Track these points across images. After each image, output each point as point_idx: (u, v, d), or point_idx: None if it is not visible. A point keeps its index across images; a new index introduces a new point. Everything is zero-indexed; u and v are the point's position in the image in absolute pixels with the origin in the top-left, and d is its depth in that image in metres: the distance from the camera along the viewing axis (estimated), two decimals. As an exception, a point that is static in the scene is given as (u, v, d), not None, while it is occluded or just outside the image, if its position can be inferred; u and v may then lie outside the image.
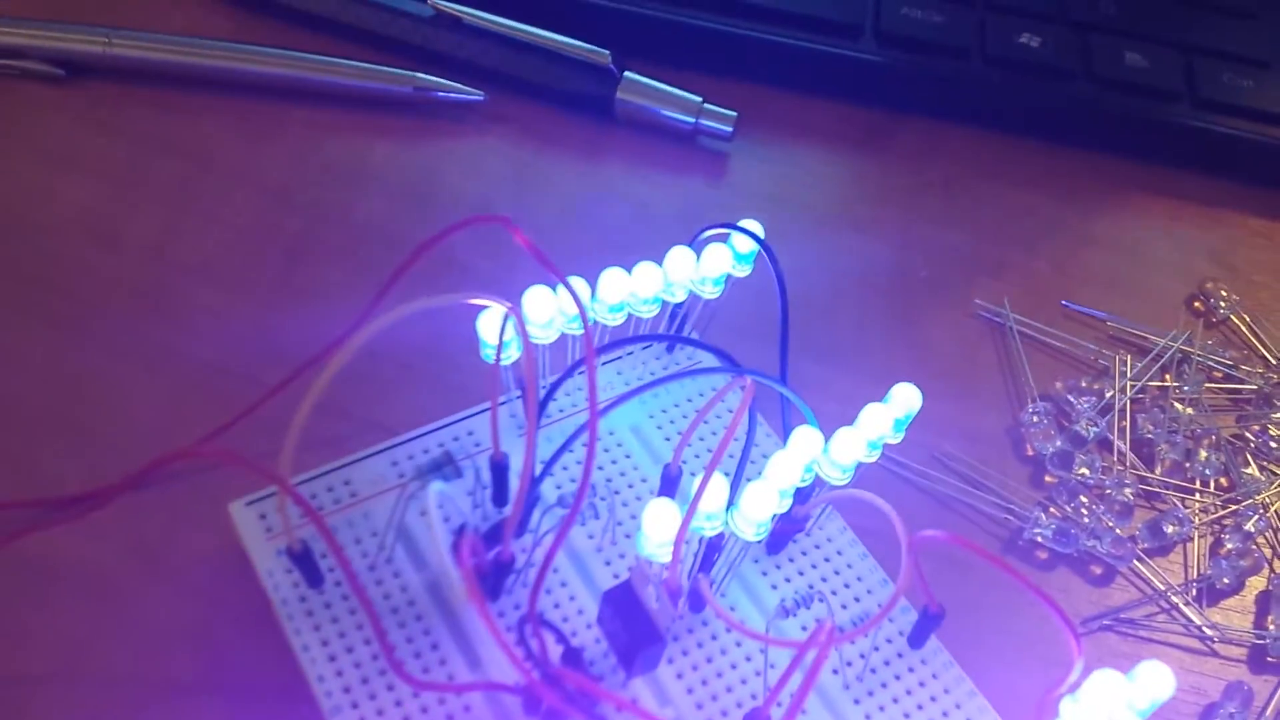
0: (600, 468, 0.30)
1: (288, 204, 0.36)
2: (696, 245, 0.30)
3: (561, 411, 0.31)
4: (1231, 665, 0.31)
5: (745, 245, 0.30)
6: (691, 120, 0.40)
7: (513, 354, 0.28)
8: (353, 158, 0.38)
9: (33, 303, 0.33)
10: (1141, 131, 0.43)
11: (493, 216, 0.27)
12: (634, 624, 0.25)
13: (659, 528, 0.24)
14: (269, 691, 0.26)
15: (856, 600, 0.29)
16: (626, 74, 0.40)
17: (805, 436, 0.26)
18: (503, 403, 0.30)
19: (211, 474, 0.29)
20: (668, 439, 0.31)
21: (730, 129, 0.40)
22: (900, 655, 0.28)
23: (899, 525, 0.25)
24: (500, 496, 0.28)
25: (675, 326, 0.31)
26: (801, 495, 0.27)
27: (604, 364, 0.32)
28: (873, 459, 0.27)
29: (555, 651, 0.25)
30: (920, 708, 0.27)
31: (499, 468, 0.28)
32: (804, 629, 0.28)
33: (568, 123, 0.40)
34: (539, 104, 0.41)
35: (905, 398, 0.27)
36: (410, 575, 0.27)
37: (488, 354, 0.28)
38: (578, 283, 0.28)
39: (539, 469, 0.27)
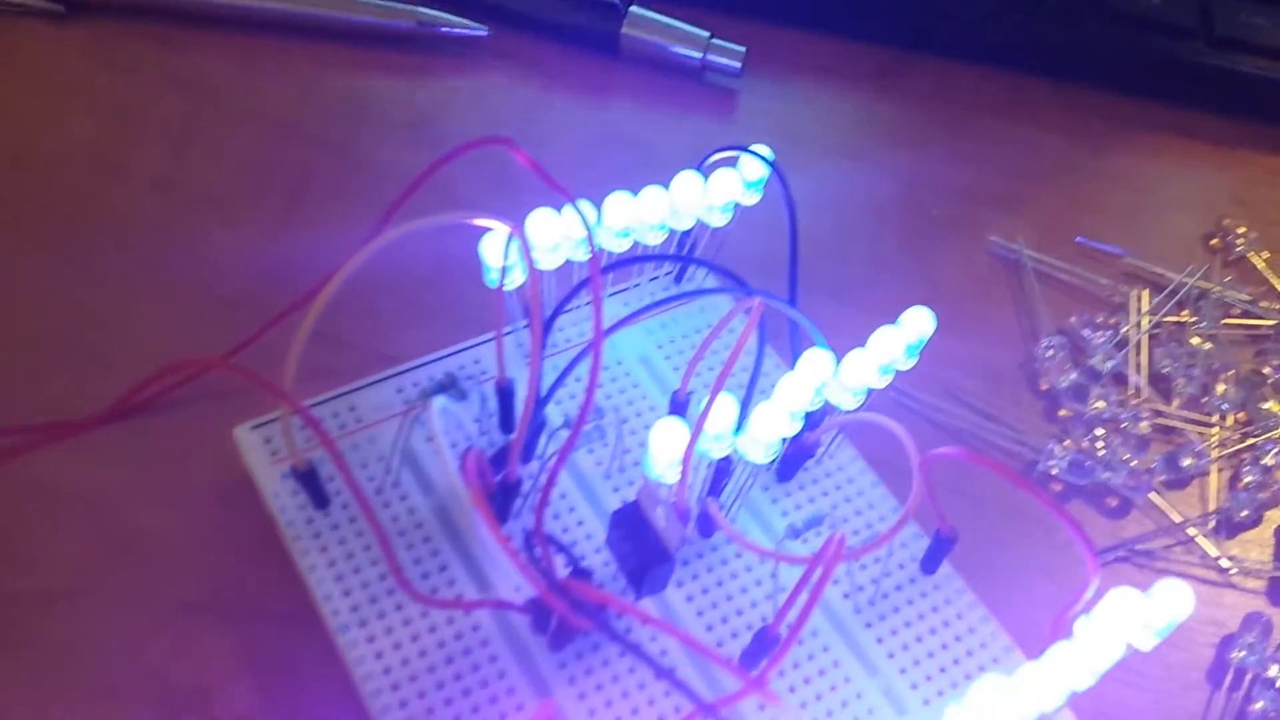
0: (609, 397, 0.30)
1: (291, 138, 0.36)
2: (704, 171, 0.29)
3: (569, 341, 0.31)
4: (1250, 597, 0.31)
5: (754, 172, 0.29)
6: (699, 56, 0.39)
7: (517, 279, 0.27)
8: (356, 93, 0.38)
9: (42, 234, 0.32)
10: (1156, 70, 0.43)
11: (496, 138, 0.26)
12: (642, 544, 0.24)
13: (666, 446, 0.24)
14: (276, 613, 0.26)
15: (868, 527, 0.29)
16: (633, 9, 0.39)
17: (815, 358, 0.25)
18: (508, 332, 0.30)
19: (217, 399, 0.29)
20: (676, 369, 0.31)
21: (739, 65, 0.39)
22: (912, 580, 0.28)
23: (910, 445, 0.25)
24: (507, 422, 0.28)
25: (686, 253, 0.31)
26: (811, 421, 0.27)
27: (611, 294, 0.32)
28: (883, 385, 0.27)
29: (564, 573, 0.24)
30: (933, 631, 0.27)
31: (505, 392, 0.28)
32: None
33: (573, 59, 0.40)
34: (543, 39, 0.40)
35: (918, 322, 0.27)
36: (417, 499, 0.27)
37: (491, 278, 0.27)
38: (584, 206, 0.27)
39: (544, 392, 0.27)
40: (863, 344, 0.26)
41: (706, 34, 0.39)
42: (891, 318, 0.27)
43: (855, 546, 0.28)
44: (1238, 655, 0.29)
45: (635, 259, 0.29)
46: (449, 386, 0.26)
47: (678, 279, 0.33)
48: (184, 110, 0.36)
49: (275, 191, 0.35)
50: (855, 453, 0.30)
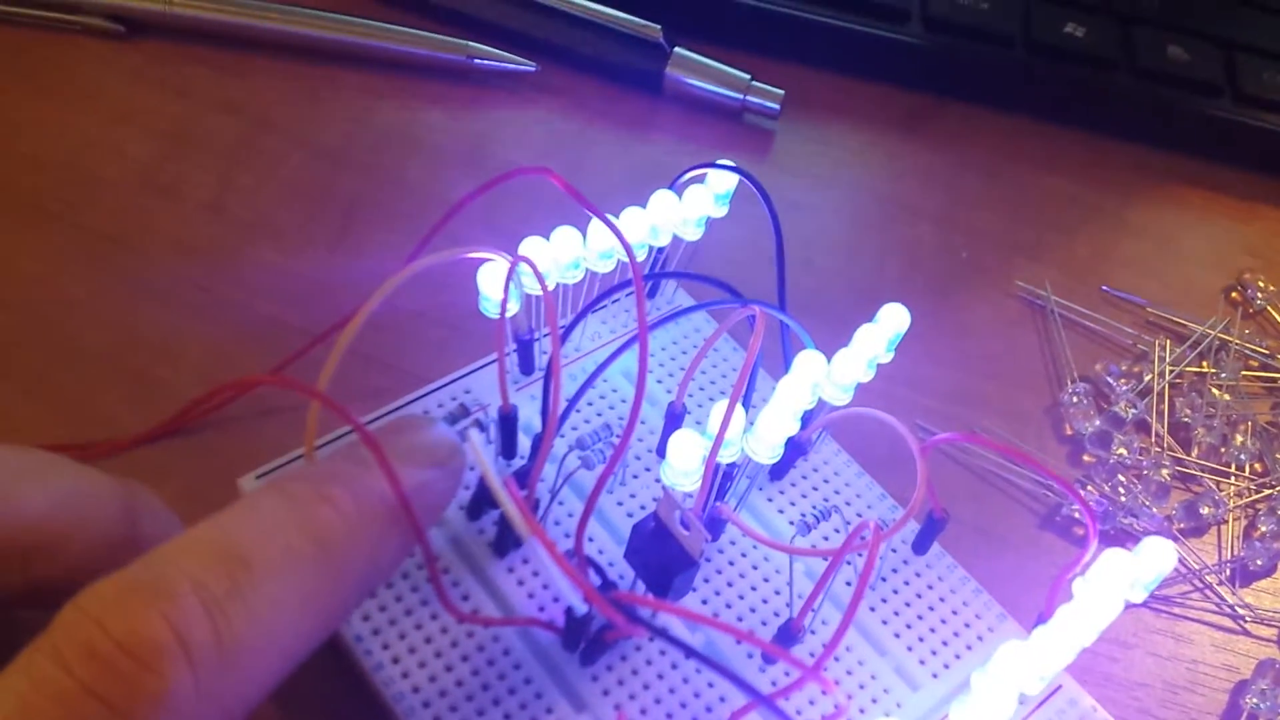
0: (599, 414, 0.31)
1: (341, 165, 0.37)
2: (678, 189, 0.30)
3: (565, 356, 0.31)
4: (1263, 645, 0.32)
5: (722, 186, 0.30)
6: (739, 97, 0.40)
7: (513, 307, 0.28)
8: (405, 123, 0.39)
9: (94, 252, 0.33)
10: (1181, 124, 0.44)
11: (533, 168, 0.27)
12: (666, 552, 0.25)
13: (684, 456, 0.25)
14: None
15: (858, 516, 0.30)
16: (677, 49, 0.40)
17: (809, 359, 0.27)
18: (487, 364, 0.31)
19: (261, 417, 0.30)
20: (659, 381, 0.32)
21: (777, 107, 0.40)
22: (906, 562, 0.29)
23: (908, 435, 0.26)
24: (509, 448, 0.29)
25: (659, 269, 0.32)
26: (804, 420, 0.28)
27: (593, 313, 0.32)
28: (869, 379, 0.28)
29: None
30: (932, 608, 0.29)
31: (507, 420, 0.28)
32: (825, 539, 0.29)
33: (617, 96, 0.41)
34: (589, 77, 0.41)
35: (894, 318, 0.28)
36: (430, 532, 0.27)
37: (488, 307, 0.28)
38: (571, 233, 0.28)
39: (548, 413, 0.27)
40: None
41: (747, 76, 0.40)
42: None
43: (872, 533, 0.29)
44: (1251, 701, 0.30)
45: (648, 276, 0.31)
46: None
47: (650, 295, 0.33)
48: (237, 134, 0.37)
49: (324, 217, 0.35)
50: (838, 446, 0.31)
